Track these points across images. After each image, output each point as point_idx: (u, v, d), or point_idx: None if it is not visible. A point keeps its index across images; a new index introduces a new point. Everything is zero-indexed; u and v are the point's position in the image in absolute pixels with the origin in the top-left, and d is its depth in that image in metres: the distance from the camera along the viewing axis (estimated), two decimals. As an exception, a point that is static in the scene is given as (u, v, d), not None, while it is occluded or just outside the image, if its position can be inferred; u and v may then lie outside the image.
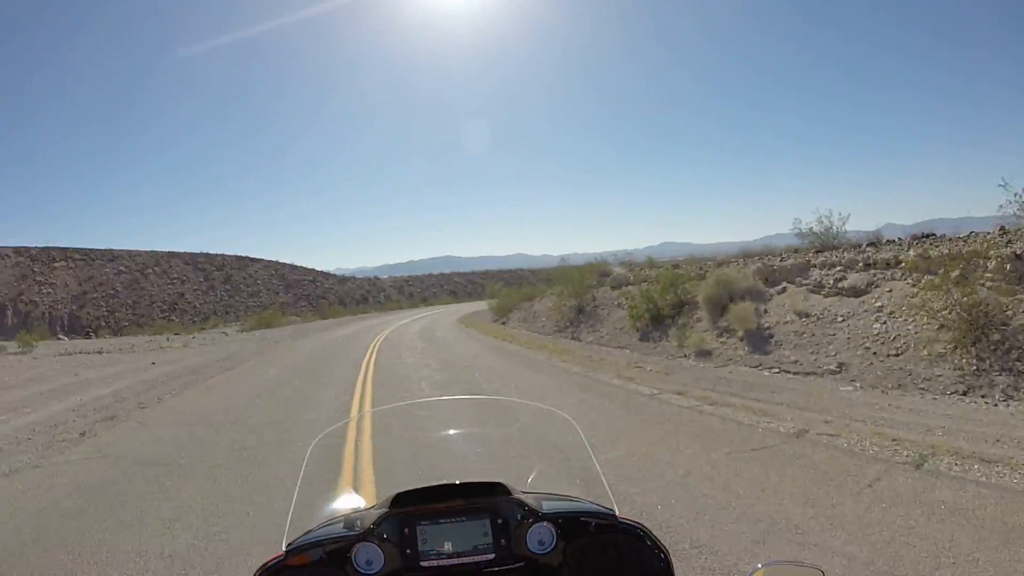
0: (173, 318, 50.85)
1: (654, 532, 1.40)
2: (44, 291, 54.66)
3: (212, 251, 62.27)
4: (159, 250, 62.23)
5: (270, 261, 62.25)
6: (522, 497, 1.44)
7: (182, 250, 62.60)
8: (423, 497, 1.42)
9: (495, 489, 1.44)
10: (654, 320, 14.56)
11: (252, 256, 62.78)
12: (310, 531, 1.44)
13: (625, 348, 14.53)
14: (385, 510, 1.41)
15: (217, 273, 59.37)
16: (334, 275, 62.90)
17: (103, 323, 50.65)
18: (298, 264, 62.65)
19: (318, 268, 63.10)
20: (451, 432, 2.28)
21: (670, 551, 1.39)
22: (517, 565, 1.39)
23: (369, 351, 16.56)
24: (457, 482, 1.44)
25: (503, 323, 27.01)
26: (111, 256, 61.74)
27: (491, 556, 1.37)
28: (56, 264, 58.90)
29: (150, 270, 58.74)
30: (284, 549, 1.36)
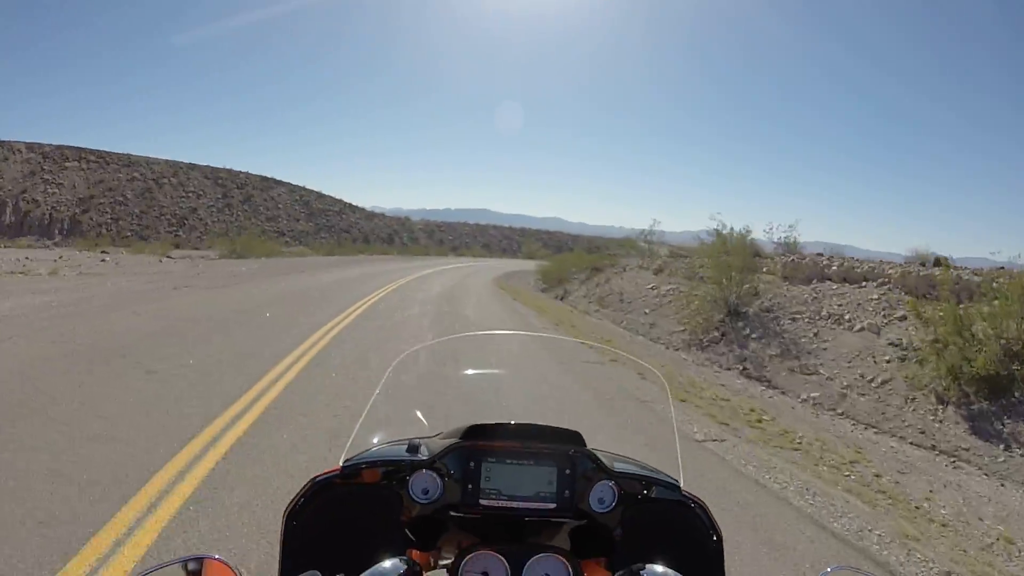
0: (180, 233, 46.22)
1: (713, 513, 1.34)
2: (49, 191, 50.33)
3: (236, 168, 57.41)
4: (179, 160, 57.58)
5: (296, 186, 57.23)
6: (595, 451, 1.37)
7: (204, 163, 57.60)
8: (495, 433, 1.33)
9: (570, 438, 1.36)
10: (990, 386, 7.02)
11: (277, 178, 57.73)
12: (369, 449, 1.39)
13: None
14: (455, 440, 1.34)
15: (237, 191, 54.49)
16: (361, 209, 57.50)
17: (105, 230, 46.25)
18: (325, 193, 57.38)
19: (346, 200, 57.83)
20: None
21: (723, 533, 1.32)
22: (575, 520, 1.34)
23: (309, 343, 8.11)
24: (533, 423, 1.36)
25: (560, 298, 21.93)
26: (128, 161, 57.18)
27: (552, 505, 1.30)
28: (68, 164, 54.51)
29: (166, 180, 54.04)
30: (341, 464, 1.31)
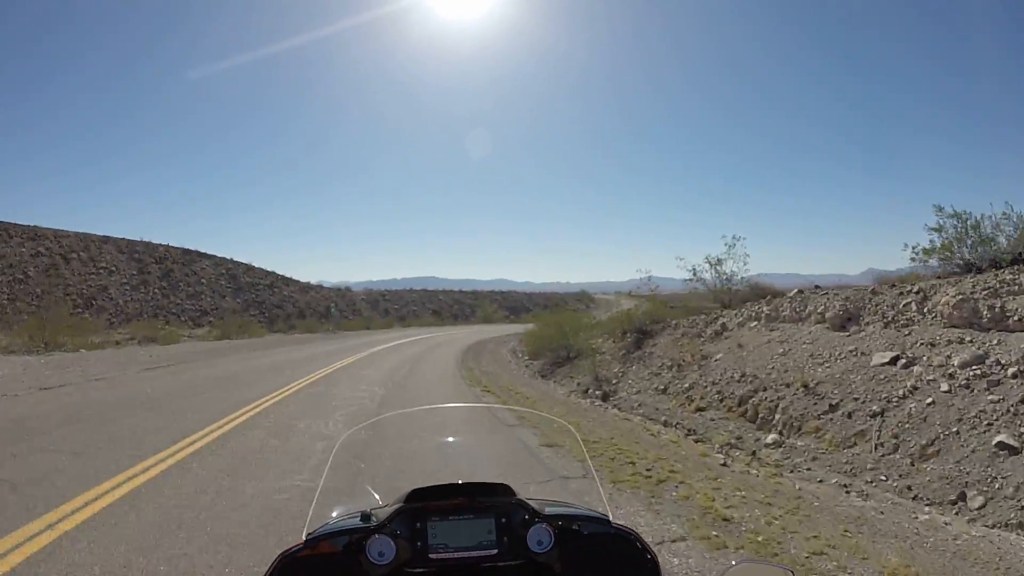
0: (87, 315, 40.80)
1: (645, 539, 1.49)
2: (-64, 268, 44.49)
3: (156, 241, 52.28)
4: (92, 233, 52.19)
5: (222, 258, 52.35)
6: (525, 500, 1.54)
7: (120, 235, 52.33)
8: (435, 495, 1.52)
9: (501, 490, 1.54)
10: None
11: (202, 251, 52.82)
12: (328, 523, 1.55)
13: None
14: (400, 505, 1.51)
15: (155, 266, 49.33)
16: (296, 281, 52.89)
17: (-4, 313, 40.54)
18: (256, 265, 52.67)
19: (280, 272, 53.20)
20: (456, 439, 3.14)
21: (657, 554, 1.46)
22: (517, 562, 1.49)
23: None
24: (465, 482, 1.55)
25: (596, 396, 14.04)
26: (34, 235, 51.61)
27: (494, 552, 1.47)
28: (-38, 239, 48.86)
29: (75, 255, 48.60)
30: (304, 538, 1.45)
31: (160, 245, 52.60)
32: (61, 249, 49.14)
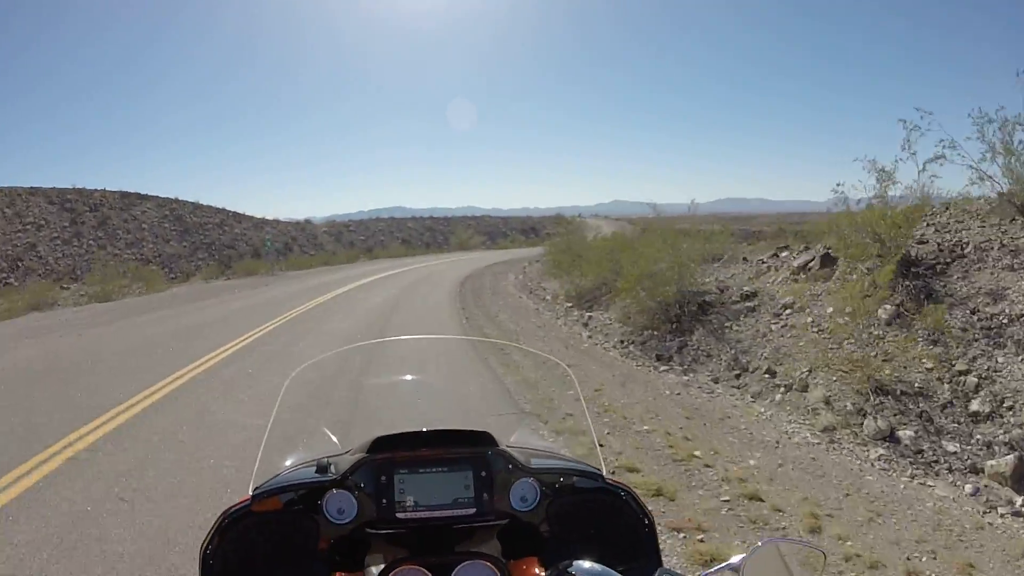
0: (11, 281, 36.42)
1: (641, 496, 1.35)
2: None
3: (91, 186, 47.23)
4: (19, 186, 46.92)
5: (166, 199, 47.53)
6: (507, 449, 1.37)
7: (53, 185, 47.20)
8: (403, 443, 1.34)
9: (481, 439, 1.37)
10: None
11: (143, 192, 47.91)
12: (278, 475, 1.38)
13: None
14: (361, 455, 1.33)
15: (90, 215, 44.47)
16: (249, 217, 48.27)
17: (-93, 284, 36.03)
18: (204, 203, 47.88)
19: (232, 209, 48.45)
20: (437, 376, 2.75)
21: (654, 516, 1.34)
22: (497, 521, 1.34)
23: None
24: (440, 429, 1.37)
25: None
26: (-47, 194, 46.60)
27: (472, 511, 1.31)
28: None
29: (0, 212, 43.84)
30: (250, 493, 1.30)
31: (95, 191, 47.58)
32: (-17, 205, 44.21)
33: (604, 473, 1.38)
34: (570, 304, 16.05)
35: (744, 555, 1.07)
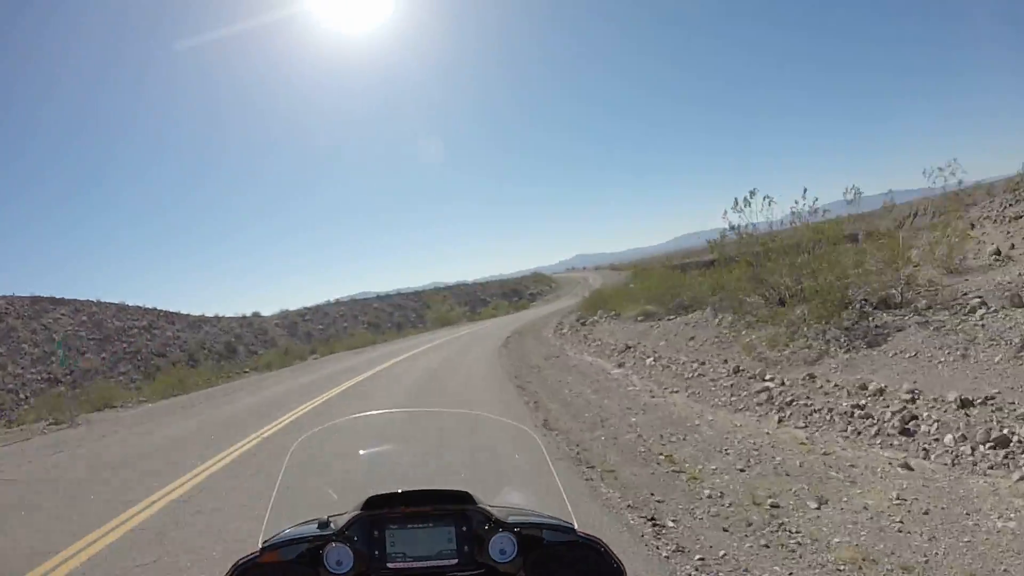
0: None
1: (612, 548, 1.44)
2: None
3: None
4: (-93, 299, 39.57)
5: (85, 301, 40.56)
6: (486, 507, 1.50)
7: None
8: (394, 502, 1.49)
9: (462, 498, 1.50)
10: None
11: (58, 296, 40.92)
12: (284, 530, 1.50)
13: None
14: (357, 512, 1.48)
15: (-9, 327, 37.23)
16: (184, 316, 41.42)
17: None
18: (131, 304, 40.95)
19: (163, 308, 41.57)
20: (421, 443, 2.79)
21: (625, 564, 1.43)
22: (478, 572, 1.45)
23: None
24: (424, 489, 1.50)
25: None
26: None
27: (454, 561, 1.44)
28: None
29: None
30: (260, 546, 1.42)
31: (1, 298, 40.43)
32: None
33: (576, 527, 1.48)
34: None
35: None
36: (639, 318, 18.03)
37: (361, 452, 2.31)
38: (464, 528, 1.45)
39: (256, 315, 44.92)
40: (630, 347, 14.54)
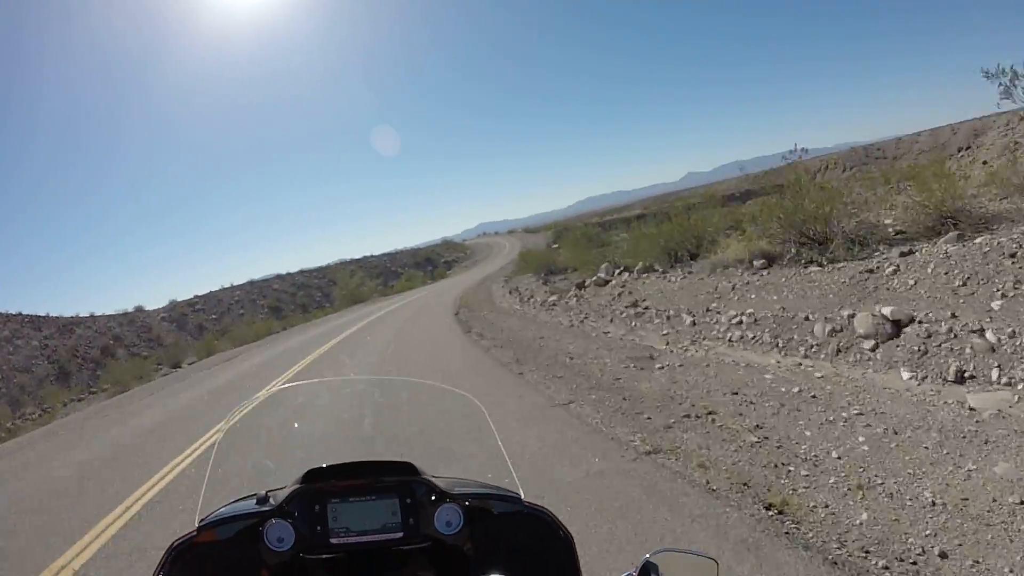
0: None
1: (559, 516, 1.43)
2: None
3: None
4: None
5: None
6: (430, 478, 1.46)
7: None
8: (334, 475, 1.43)
9: (405, 469, 1.46)
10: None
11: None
12: (222, 507, 1.46)
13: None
14: (297, 486, 1.42)
15: None
16: (55, 319, 36.83)
17: None
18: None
19: (29, 312, 36.99)
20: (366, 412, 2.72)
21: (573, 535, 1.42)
22: (424, 545, 1.41)
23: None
24: (366, 461, 1.46)
25: None
26: None
27: (399, 535, 1.40)
28: None
29: None
30: (196, 525, 1.37)
31: None
32: None
33: (522, 496, 1.46)
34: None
35: (631, 571, 1.19)
36: (727, 268, 11.80)
37: (296, 425, 2.34)
38: (408, 500, 1.41)
39: (139, 310, 40.42)
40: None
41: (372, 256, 63.49)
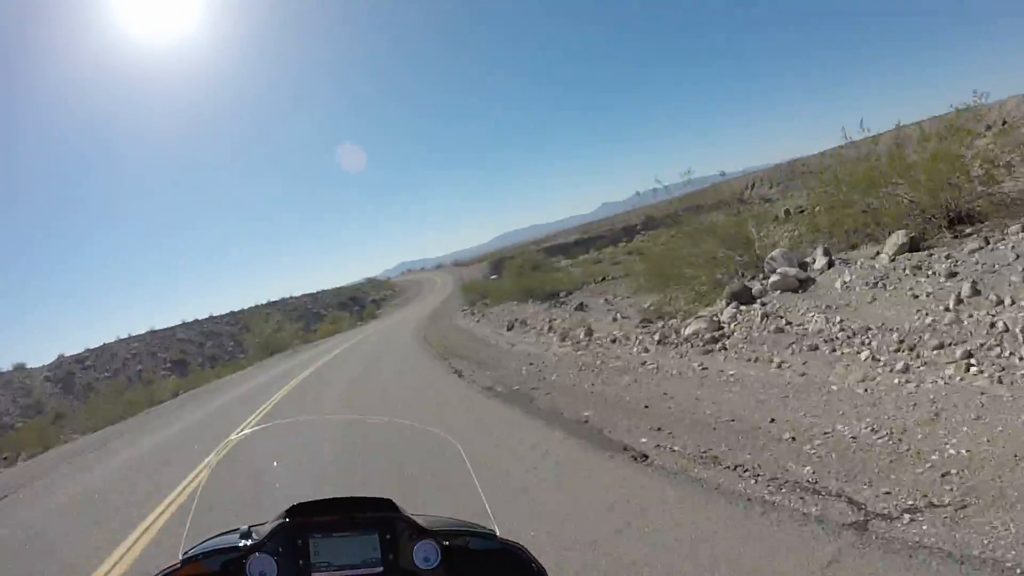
0: None
1: (533, 553, 1.44)
2: None
3: None
4: None
5: None
6: (409, 515, 1.48)
7: None
8: (316, 510, 1.45)
9: (385, 505, 1.48)
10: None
11: None
12: (206, 540, 1.46)
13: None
14: (280, 521, 1.43)
15: None
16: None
17: None
18: None
19: None
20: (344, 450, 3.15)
21: (547, 571, 1.43)
22: None
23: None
24: (347, 497, 1.48)
25: None
26: None
27: (379, 569, 1.41)
28: None
29: None
30: (180, 557, 1.38)
31: None
32: None
33: (497, 532, 1.49)
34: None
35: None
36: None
37: (275, 464, 2.47)
38: (388, 536, 1.44)
39: (20, 367, 36.08)
40: None
41: (291, 297, 59.75)
